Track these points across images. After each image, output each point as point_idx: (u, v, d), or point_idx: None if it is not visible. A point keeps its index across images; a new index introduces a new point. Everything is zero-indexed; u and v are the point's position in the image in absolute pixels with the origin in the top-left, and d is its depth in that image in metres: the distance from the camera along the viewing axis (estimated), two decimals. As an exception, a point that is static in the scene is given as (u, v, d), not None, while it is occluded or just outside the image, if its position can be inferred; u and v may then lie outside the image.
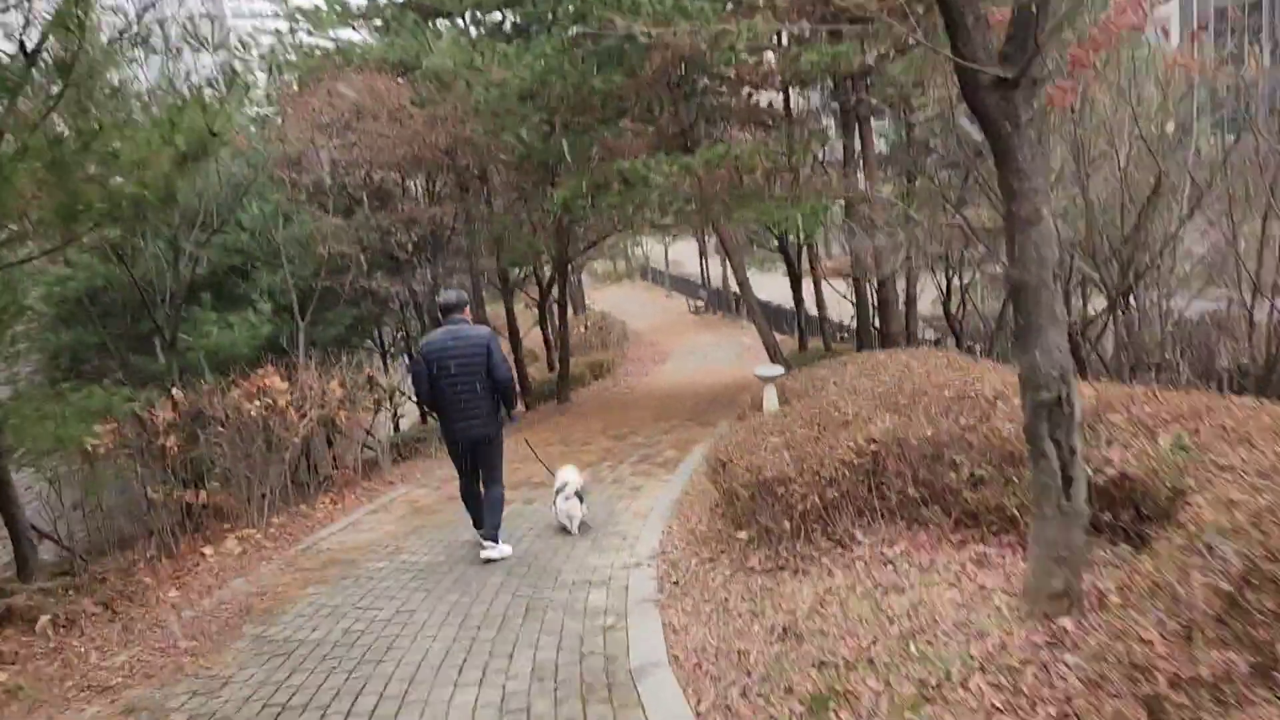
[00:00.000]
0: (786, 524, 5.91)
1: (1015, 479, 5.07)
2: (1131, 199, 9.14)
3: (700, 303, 45.45)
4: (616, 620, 5.56)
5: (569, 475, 8.23)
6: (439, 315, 7.55)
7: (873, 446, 5.79)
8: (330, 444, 12.97)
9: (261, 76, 18.10)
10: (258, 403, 10.49)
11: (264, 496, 10.45)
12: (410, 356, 22.45)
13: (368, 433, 14.17)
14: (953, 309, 14.53)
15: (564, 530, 7.98)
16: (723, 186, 12.73)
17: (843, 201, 12.57)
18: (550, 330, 25.87)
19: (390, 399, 18.82)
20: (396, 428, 20.31)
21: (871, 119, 12.95)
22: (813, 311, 26.85)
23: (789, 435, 6.55)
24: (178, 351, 12.20)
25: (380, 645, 5.57)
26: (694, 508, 8.31)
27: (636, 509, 8.71)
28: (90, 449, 9.24)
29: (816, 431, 6.38)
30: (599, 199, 12.69)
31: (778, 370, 8.77)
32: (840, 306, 23.88)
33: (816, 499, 5.76)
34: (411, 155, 14.83)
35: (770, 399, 8.67)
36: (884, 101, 12.60)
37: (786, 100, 16.86)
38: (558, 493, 8.06)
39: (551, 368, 26.05)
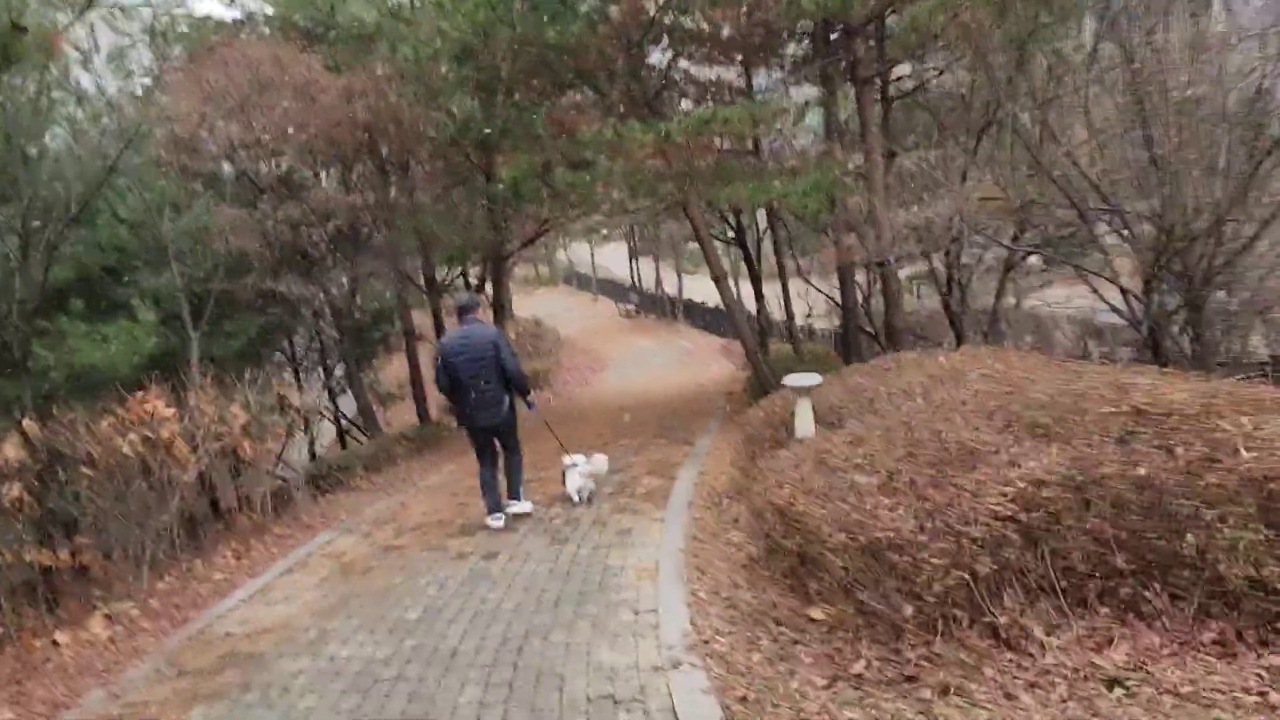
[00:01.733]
0: (908, 608, 4.03)
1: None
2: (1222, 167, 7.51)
3: (631, 306, 43.58)
4: (680, 783, 3.59)
5: (579, 458, 9.18)
6: (458, 315, 8.44)
7: (1043, 493, 3.93)
8: (237, 476, 10.71)
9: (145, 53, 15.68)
10: (133, 435, 8.24)
11: (144, 551, 8.21)
12: (325, 371, 20.07)
13: (279, 459, 11.93)
14: (952, 302, 12.88)
15: (571, 501, 8.95)
16: (705, 160, 10.86)
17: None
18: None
19: (306, 422, 16.52)
20: (314, 454, 17.92)
21: (876, 80, 11.13)
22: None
23: (885, 473, 4.67)
24: (32, 373, 9.79)
25: (304, 839, 3.51)
26: (715, 561, 6.39)
27: (637, 564, 6.71)
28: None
29: (933, 470, 4.49)
30: (556, 179, 10.61)
31: (812, 379, 6.86)
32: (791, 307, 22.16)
33: (964, 574, 3.88)
34: (325, 135, 12.59)
35: (804, 418, 6.77)
36: (905, 51, 10.73)
37: (748, 74, 15.07)
38: (571, 467, 9.04)
39: (483, 379, 23.89)
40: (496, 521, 8.34)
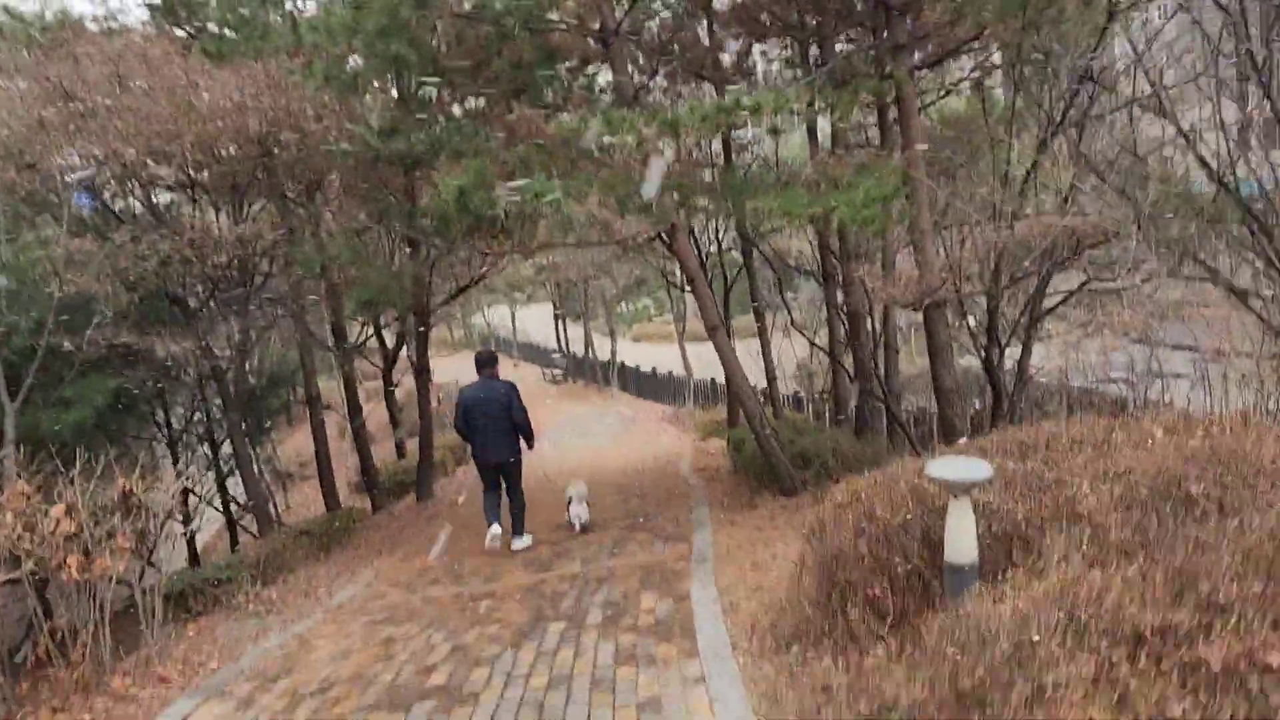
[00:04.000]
0: None
1: None
2: None
3: (558, 371, 40.79)
4: None
5: (577, 488, 10.68)
6: (477, 370, 9.79)
7: None
8: (67, 604, 7.62)
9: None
10: None
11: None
12: (212, 447, 16.79)
13: (149, 563, 8.88)
14: (993, 356, 10.54)
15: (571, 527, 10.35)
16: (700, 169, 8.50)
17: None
18: (395, 406, 20.58)
19: (185, 516, 13.38)
20: (195, 556, 14.60)
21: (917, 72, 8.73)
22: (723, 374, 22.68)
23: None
24: None
25: None
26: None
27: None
28: None
29: None
30: (520, 190, 7.91)
31: (978, 470, 4.20)
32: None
33: None
34: (205, 148, 9.75)
35: (964, 533, 4.14)
36: (980, 23, 8.27)
37: (719, 91, 12.58)
38: (569, 501, 10.54)
39: (401, 454, 20.76)
40: (494, 541, 9.63)
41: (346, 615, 8.19)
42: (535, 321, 48.22)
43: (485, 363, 9.77)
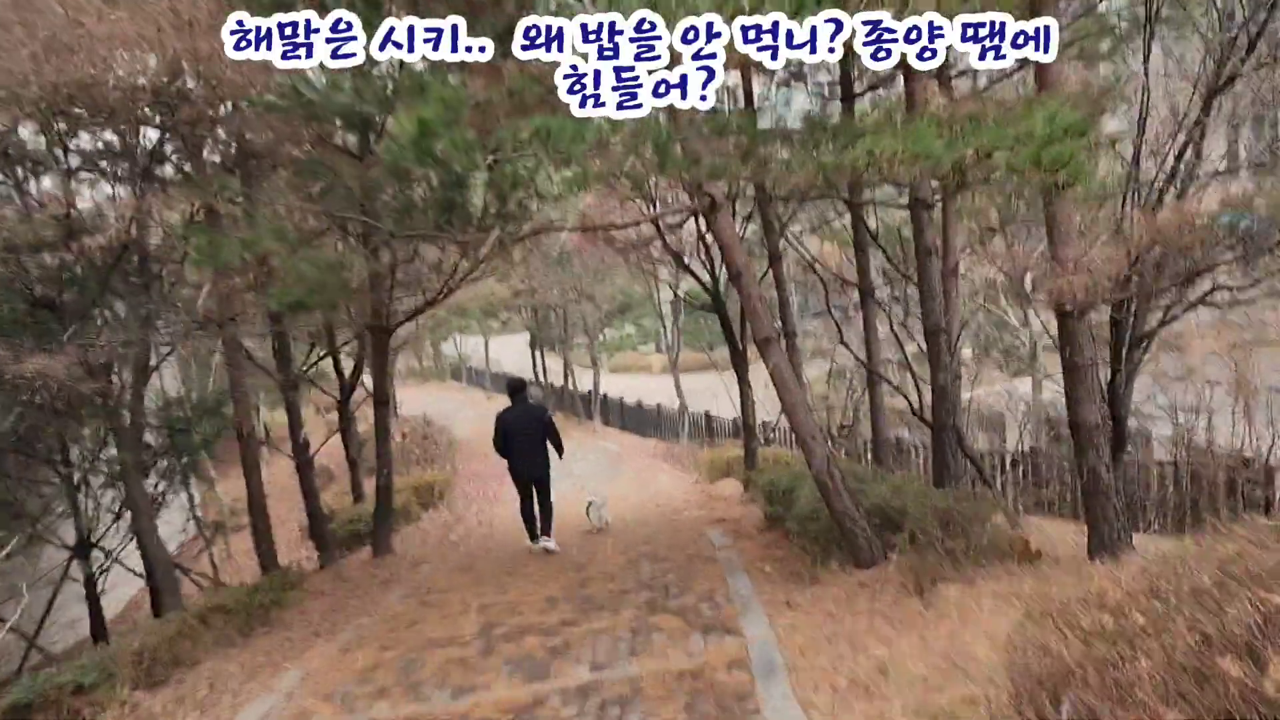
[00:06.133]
0: None
1: None
2: None
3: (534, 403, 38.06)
4: None
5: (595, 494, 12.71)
6: (510, 395, 11.20)
7: None
8: None
9: None
10: None
11: None
12: (137, 502, 13.95)
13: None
14: (1119, 384, 8.13)
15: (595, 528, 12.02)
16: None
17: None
18: (353, 441, 17.78)
19: (88, 577, 10.67)
20: (102, 629, 11.72)
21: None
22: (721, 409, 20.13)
23: None
24: None
25: None
26: None
27: None
28: None
29: None
30: (509, 135, 5.34)
31: None
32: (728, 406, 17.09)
33: None
34: (75, 94, 7.20)
35: None
36: None
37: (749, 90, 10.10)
38: (589, 505, 12.33)
39: (358, 496, 17.95)
40: (545, 543, 11.02)
41: (248, 755, 5.55)
42: (510, 352, 45.61)
43: (518, 389, 11.25)
